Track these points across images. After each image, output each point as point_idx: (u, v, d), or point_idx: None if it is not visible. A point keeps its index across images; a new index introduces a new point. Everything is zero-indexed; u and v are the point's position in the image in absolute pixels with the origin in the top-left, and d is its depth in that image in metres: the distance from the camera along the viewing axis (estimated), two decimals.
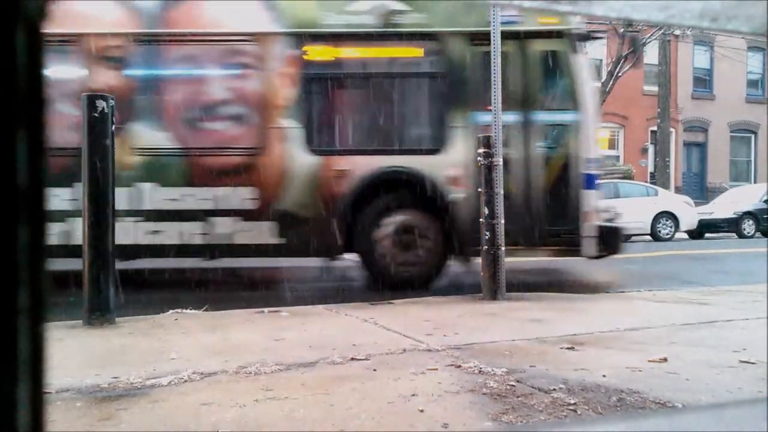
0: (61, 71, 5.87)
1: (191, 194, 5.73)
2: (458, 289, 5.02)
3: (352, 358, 2.56)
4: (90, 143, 3.48)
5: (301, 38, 5.75)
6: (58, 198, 5.52)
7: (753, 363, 2.42)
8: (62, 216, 5.54)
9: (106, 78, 5.74)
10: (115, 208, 3.63)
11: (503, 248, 4.47)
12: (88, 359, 2.68)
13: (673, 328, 3.26)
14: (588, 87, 5.70)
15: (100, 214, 3.48)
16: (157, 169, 5.76)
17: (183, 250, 5.83)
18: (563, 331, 3.16)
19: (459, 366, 2.40)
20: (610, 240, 5.55)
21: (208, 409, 1.91)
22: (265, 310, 3.94)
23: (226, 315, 3.82)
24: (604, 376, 2.24)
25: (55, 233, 5.54)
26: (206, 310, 3.93)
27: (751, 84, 25.99)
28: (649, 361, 2.46)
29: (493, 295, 4.41)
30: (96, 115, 3.48)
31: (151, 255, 5.95)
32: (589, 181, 5.52)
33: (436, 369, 2.36)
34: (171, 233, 5.73)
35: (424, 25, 5.66)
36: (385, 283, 5.45)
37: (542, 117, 5.68)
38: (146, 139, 5.76)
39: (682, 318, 3.55)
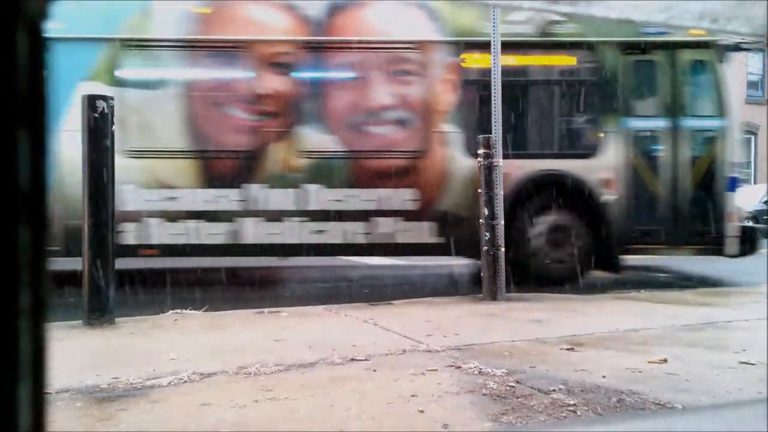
0: (229, 75, 6.17)
1: (355, 195, 5.98)
2: (457, 290, 5.02)
3: (352, 359, 2.56)
4: (90, 143, 3.48)
5: (462, 46, 6.06)
6: (226, 198, 5.86)
7: (753, 364, 2.42)
8: (230, 216, 5.86)
9: (274, 83, 6.01)
10: (114, 208, 3.61)
11: (503, 248, 4.48)
12: (87, 360, 2.68)
13: (673, 329, 3.26)
14: (733, 95, 6.17)
15: (101, 214, 3.48)
16: (323, 171, 6.00)
17: (346, 249, 6.14)
18: (563, 331, 3.16)
19: (459, 367, 2.40)
20: (751, 240, 5.96)
21: (208, 409, 1.91)
22: (265, 310, 3.94)
23: (226, 315, 3.82)
24: (603, 376, 2.24)
25: (222, 233, 5.87)
26: (206, 310, 3.93)
27: (751, 85, 25.99)
28: (649, 362, 2.46)
29: (493, 296, 4.41)
30: (96, 115, 3.49)
31: (315, 254, 6.21)
32: (733, 184, 5.91)
33: (436, 370, 2.36)
34: (335, 233, 5.97)
35: (579, 34, 5.98)
36: (534, 279, 5.71)
37: (691, 123, 6.03)
38: (313, 143, 6.00)
39: (682, 319, 3.55)
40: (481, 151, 4.50)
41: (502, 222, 4.49)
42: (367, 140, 6.05)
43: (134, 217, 5.80)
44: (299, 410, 1.88)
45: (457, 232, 5.85)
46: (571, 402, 1.93)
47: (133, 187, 5.80)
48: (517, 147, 6.09)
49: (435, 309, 4.06)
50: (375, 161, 6.01)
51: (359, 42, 6.00)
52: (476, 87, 6.15)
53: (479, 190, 4.54)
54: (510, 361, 2.51)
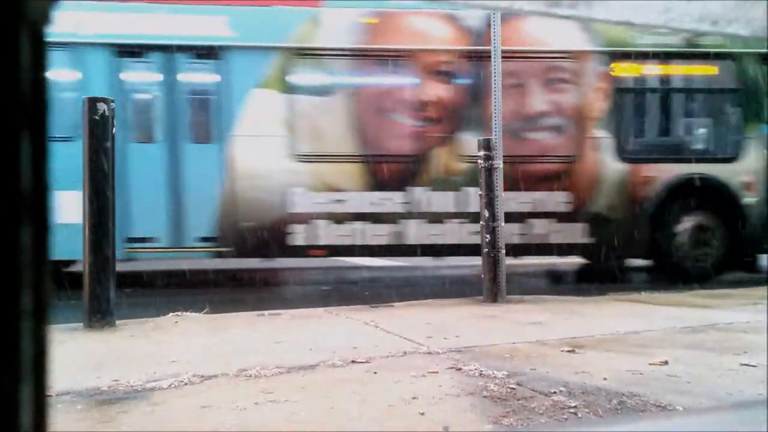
0: (395, 83, 6.57)
1: (512, 198, 6.21)
2: (458, 292, 5.02)
3: (353, 361, 2.56)
4: (90, 145, 3.48)
5: (613, 56, 6.49)
6: (391, 201, 6.25)
7: (754, 366, 2.42)
8: (395, 218, 6.25)
9: (437, 90, 6.43)
10: (115, 210, 3.62)
11: (503, 250, 4.48)
12: (88, 362, 2.68)
13: (673, 331, 3.26)
14: None
15: (100, 216, 3.48)
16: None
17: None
18: (564, 333, 3.16)
19: (459, 369, 2.40)
20: None
21: (209, 411, 1.91)
22: (266, 312, 3.94)
23: (227, 317, 3.82)
24: (604, 379, 2.24)
25: (386, 234, 6.25)
26: (206, 312, 3.93)
27: None
28: (650, 364, 2.46)
29: (494, 298, 4.41)
30: (96, 117, 3.48)
31: (473, 254, 6.53)
32: None
33: (437, 372, 2.36)
34: None
35: (721, 46, 6.37)
36: (677, 275, 6.16)
37: None
38: (473, 148, 6.26)
39: (682, 321, 3.55)
40: (480, 153, 4.50)
41: (503, 224, 4.49)
42: (524, 145, 6.43)
43: (304, 219, 6.15)
44: (300, 412, 1.88)
45: (607, 233, 6.32)
46: (572, 404, 1.92)
47: (302, 190, 6.15)
48: (664, 152, 6.68)
49: (436, 311, 4.06)
50: (531, 165, 6.41)
51: (518, 52, 6.34)
52: (626, 95, 6.66)
53: (480, 193, 4.53)
54: (511, 363, 2.51)
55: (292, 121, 6.23)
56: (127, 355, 2.82)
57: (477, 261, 4.69)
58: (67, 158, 5.97)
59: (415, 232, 6.26)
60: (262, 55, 6.22)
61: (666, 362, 2.48)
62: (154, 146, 6.28)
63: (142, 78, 6.43)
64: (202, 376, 2.33)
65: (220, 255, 6.30)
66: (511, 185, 6.17)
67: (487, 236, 4.44)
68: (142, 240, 6.15)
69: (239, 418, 1.84)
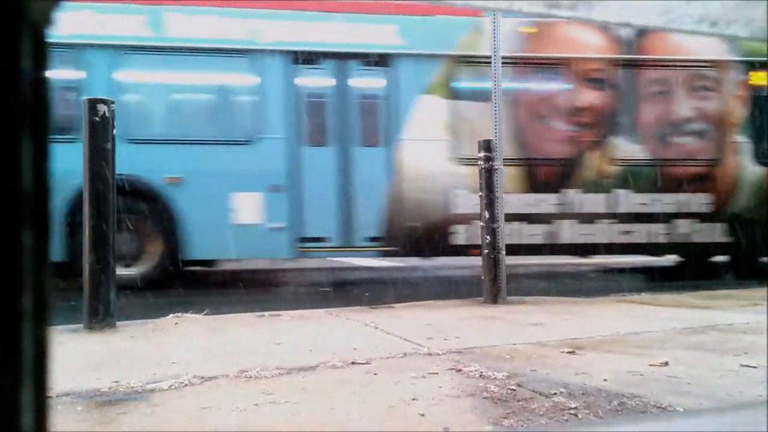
0: (550, 89, 7.01)
1: (658, 199, 6.79)
2: (458, 293, 5.02)
3: (353, 362, 2.56)
4: (91, 147, 3.48)
5: (751, 66, 6.93)
6: (546, 202, 6.71)
7: (754, 367, 2.42)
8: (548, 218, 6.69)
9: (590, 97, 6.88)
10: (116, 212, 3.61)
11: (504, 251, 4.48)
12: (88, 363, 2.68)
13: (674, 332, 3.26)
14: None
15: (101, 217, 3.48)
16: (631, 177, 6.84)
17: (647, 249, 6.96)
18: (564, 335, 3.16)
19: (460, 370, 2.40)
20: None
21: (209, 413, 1.91)
22: (266, 313, 3.94)
23: (227, 319, 3.82)
24: (605, 380, 2.24)
25: (541, 233, 6.69)
26: (207, 313, 3.93)
27: None
28: (650, 365, 2.46)
29: (494, 299, 4.41)
30: (97, 119, 3.48)
31: (621, 252, 7.01)
32: None
33: (437, 373, 2.36)
34: (640, 233, 6.78)
35: None
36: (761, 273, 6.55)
37: None
38: (623, 152, 6.89)
39: (682, 322, 3.55)
40: (481, 154, 4.50)
41: (503, 225, 4.48)
42: (670, 149, 6.91)
43: (465, 219, 6.52)
44: (300, 414, 1.88)
45: (745, 232, 6.72)
46: (573, 405, 1.92)
47: (464, 192, 6.50)
48: None
49: (436, 312, 4.06)
50: (676, 168, 6.87)
51: (666, 61, 6.87)
52: (762, 102, 7.03)
53: (480, 194, 4.54)
54: (511, 364, 2.51)
55: (455, 126, 6.65)
56: (127, 357, 2.82)
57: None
58: (246, 161, 6.32)
59: (568, 232, 6.71)
60: (428, 62, 6.65)
61: (666, 363, 2.48)
62: (326, 149, 6.58)
63: (316, 83, 6.70)
64: (202, 378, 2.33)
65: (386, 254, 6.71)
66: (659, 187, 6.80)
67: (488, 237, 4.44)
68: (315, 240, 6.46)
69: (239, 419, 1.84)
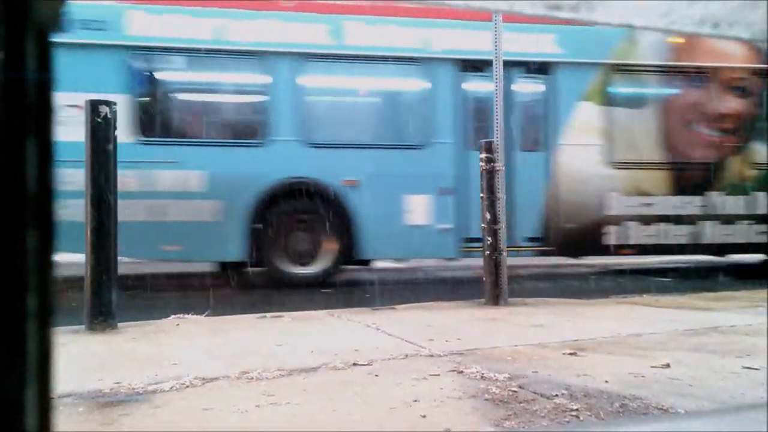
0: (695, 96, 7.32)
1: (752, 202, 7.17)
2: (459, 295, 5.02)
3: (354, 364, 2.56)
4: (92, 148, 3.49)
5: None
6: (691, 204, 7.08)
7: (756, 369, 2.41)
8: (693, 219, 7.06)
9: (733, 104, 7.26)
10: (117, 213, 3.62)
11: (505, 253, 4.48)
12: (90, 364, 2.68)
13: (675, 334, 3.25)
14: None
15: (102, 218, 3.48)
16: None
17: None
18: (565, 336, 3.16)
19: (461, 371, 2.40)
20: None
21: (210, 414, 1.91)
22: (267, 315, 3.94)
23: (228, 320, 3.82)
24: (606, 381, 2.24)
25: (685, 234, 7.06)
26: (208, 315, 3.93)
27: None
28: (652, 366, 2.46)
29: (495, 301, 4.41)
30: (99, 120, 3.49)
31: (758, 252, 7.38)
32: None
33: (438, 374, 2.36)
34: None
35: None
36: None
37: None
38: (762, 156, 7.30)
39: (684, 323, 3.54)
40: (482, 156, 4.50)
41: (504, 226, 4.48)
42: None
43: (617, 220, 6.88)
44: (301, 415, 1.88)
45: None
46: (574, 407, 1.92)
47: (616, 194, 6.89)
48: None
49: (437, 313, 4.06)
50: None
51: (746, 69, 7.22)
52: None
53: (481, 195, 4.54)
54: (512, 365, 2.51)
55: (609, 131, 7.01)
56: (128, 358, 2.82)
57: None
58: (418, 165, 6.67)
59: (710, 233, 7.05)
60: (585, 70, 7.00)
61: (668, 365, 2.47)
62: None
63: (481, 89, 6.91)
64: (203, 379, 2.33)
65: (543, 254, 6.97)
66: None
67: (489, 238, 4.44)
68: (478, 240, 6.66)
69: (241, 421, 1.84)
